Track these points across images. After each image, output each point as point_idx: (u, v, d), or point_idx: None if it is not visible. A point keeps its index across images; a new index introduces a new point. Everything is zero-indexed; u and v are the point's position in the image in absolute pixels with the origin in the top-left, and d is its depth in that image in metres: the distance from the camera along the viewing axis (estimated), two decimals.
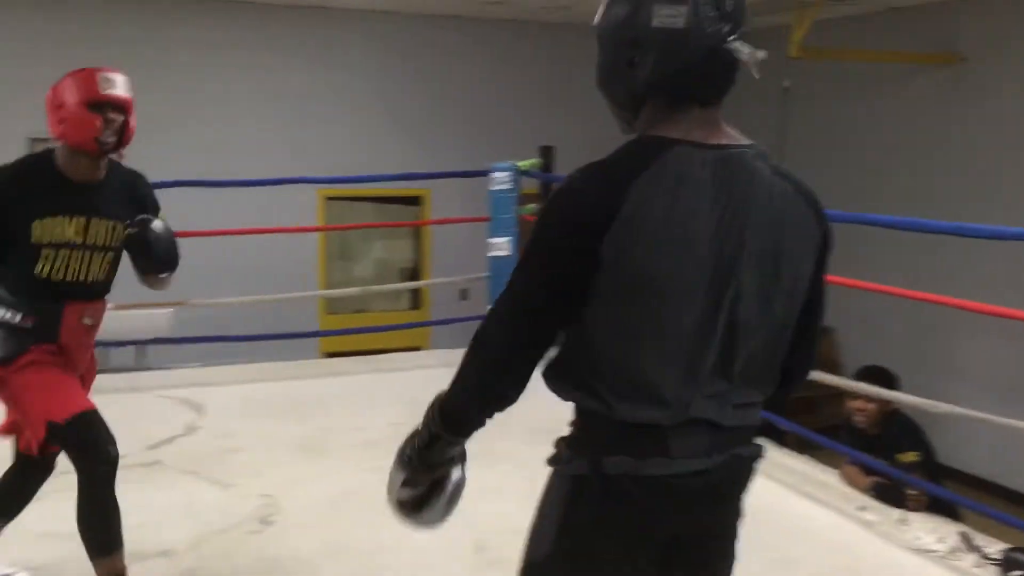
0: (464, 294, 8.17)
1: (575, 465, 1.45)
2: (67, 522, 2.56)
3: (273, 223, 6.62)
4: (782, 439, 4.66)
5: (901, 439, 4.05)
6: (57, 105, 2.51)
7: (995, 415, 3.57)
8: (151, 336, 5.63)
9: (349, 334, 7.90)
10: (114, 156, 2.63)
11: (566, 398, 1.47)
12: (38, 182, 2.53)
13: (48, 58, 7.25)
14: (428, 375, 5.74)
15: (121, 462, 3.86)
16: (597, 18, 1.48)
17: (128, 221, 2.61)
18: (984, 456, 6.69)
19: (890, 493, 3.73)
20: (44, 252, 2.51)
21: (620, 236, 1.33)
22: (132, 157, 2.77)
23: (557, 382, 1.46)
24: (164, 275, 2.70)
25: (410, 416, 5.19)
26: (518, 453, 4.03)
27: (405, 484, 1.57)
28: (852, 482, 3.90)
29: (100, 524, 2.57)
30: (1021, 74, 6.77)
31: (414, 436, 1.56)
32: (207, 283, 6.63)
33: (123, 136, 2.57)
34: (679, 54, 1.38)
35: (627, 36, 1.41)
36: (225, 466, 3.85)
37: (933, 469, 4.13)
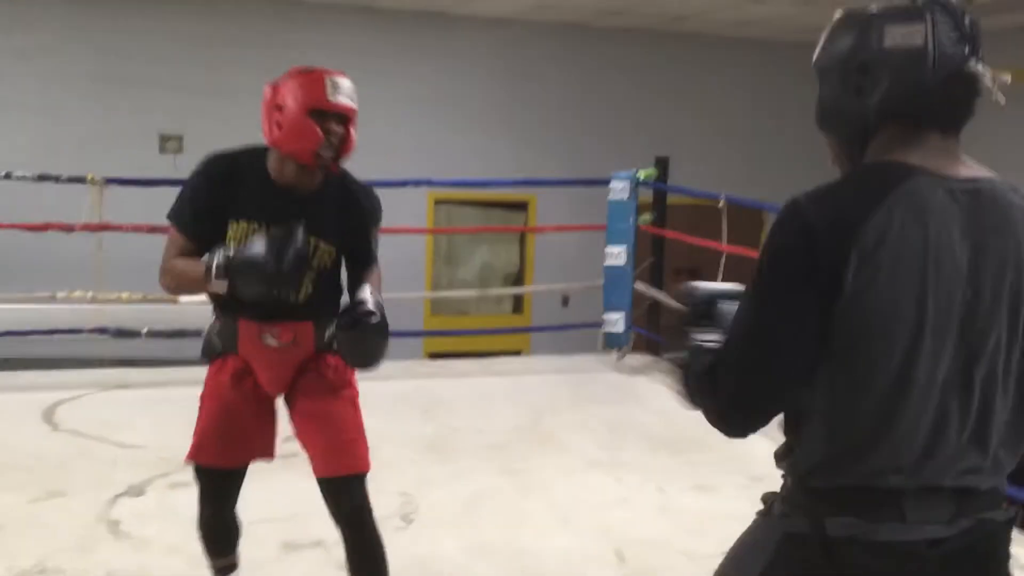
0: (565, 301, 8.19)
1: (791, 522, 1.35)
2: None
3: (387, 223, 6.70)
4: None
5: None
6: (276, 106, 2.24)
7: None
8: None
9: (455, 335, 8.04)
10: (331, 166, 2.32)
11: (784, 455, 1.38)
12: (245, 179, 2.30)
13: (177, 58, 7.51)
14: (540, 380, 5.82)
15: None
16: (817, 52, 1.40)
17: (333, 241, 2.35)
18: None
19: None
20: None
21: (862, 269, 1.22)
22: None
23: (784, 434, 1.37)
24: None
25: (529, 420, 5.15)
26: (642, 463, 4.04)
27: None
28: None
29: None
30: None
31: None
32: None
33: (341, 148, 2.29)
34: (918, 74, 1.28)
35: (855, 62, 1.33)
36: None
37: None
